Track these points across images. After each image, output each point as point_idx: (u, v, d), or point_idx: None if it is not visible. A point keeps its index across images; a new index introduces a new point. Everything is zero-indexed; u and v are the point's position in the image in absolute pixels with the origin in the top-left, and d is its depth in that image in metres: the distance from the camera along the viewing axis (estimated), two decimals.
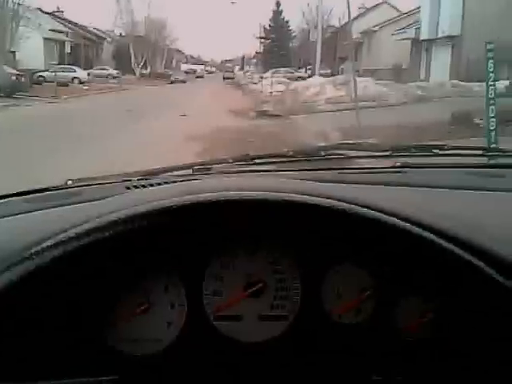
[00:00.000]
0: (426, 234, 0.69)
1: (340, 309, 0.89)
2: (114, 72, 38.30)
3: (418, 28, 27.63)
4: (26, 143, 8.53)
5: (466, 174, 1.35)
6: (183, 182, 1.25)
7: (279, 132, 10.85)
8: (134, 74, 44.03)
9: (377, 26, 35.83)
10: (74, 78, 29.93)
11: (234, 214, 0.76)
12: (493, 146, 4.88)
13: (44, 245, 0.67)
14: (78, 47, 40.10)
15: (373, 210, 0.71)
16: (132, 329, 0.88)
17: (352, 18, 12.47)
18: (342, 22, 37.49)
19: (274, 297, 0.90)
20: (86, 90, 25.76)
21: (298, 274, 0.89)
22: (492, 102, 5.62)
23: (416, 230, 0.69)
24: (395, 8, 40.84)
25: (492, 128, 5.50)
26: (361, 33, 36.42)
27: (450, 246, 0.68)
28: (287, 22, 55.12)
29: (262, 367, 0.80)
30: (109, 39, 50.49)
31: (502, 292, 0.67)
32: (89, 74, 32.60)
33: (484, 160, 1.61)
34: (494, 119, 5.54)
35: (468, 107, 10.39)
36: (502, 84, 10.01)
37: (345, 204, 0.71)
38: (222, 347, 0.88)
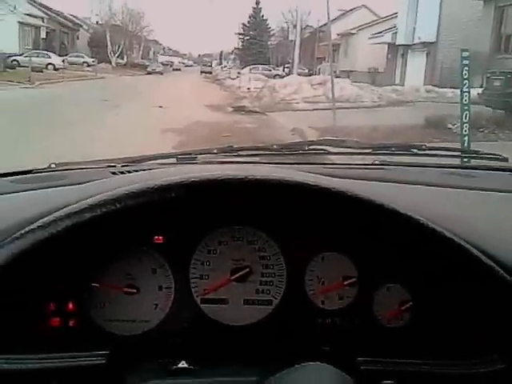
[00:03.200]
0: (413, 217, 0.72)
1: (322, 295, 0.93)
2: (90, 60, 37.76)
3: (395, 33, 27.99)
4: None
5: (442, 174, 1.41)
6: (170, 168, 1.27)
7: (256, 128, 10.88)
8: (110, 62, 43.42)
9: (354, 28, 36.16)
10: (49, 64, 29.37)
11: (223, 195, 0.76)
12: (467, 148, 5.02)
13: (36, 224, 0.66)
14: (54, 33, 39.35)
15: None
16: (120, 310, 0.89)
17: (331, 19, 12.59)
18: (321, 23, 37.76)
19: (259, 282, 0.93)
20: (61, 76, 25.28)
21: (282, 260, 0.93)
22: (466, 107, 5.76)
23: (403, 212, 0.71)
24: (373, 12, 41.29)
25: (465, 133, 5.65)
26: (338, 34, 36.70)
27: (438, 232, 0.71)
28: (266, 19, 55.23)
29: (246, 349, 0.83)
30: (85, 26, 49.68)
31: (483, 281, 0.71)
32: (64, 61, 32.00)
33: (459, 161, 1.67)
34: (467, 124, 5.70)
35: (441, 112, 10.61)
36: (475, 91, 10.26)
37: (333, 185, 0.73)
38: (208, 329, 0.90)
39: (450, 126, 9.57)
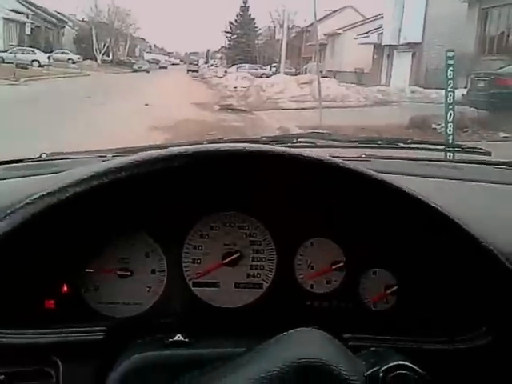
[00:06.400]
0: (412, 193, 0.72)
1: (311, 279, 0.95)
2: (75, 57, 37.48)
3: (381, 33, 28.18)
4: None
5: (428, 166, 1.44)
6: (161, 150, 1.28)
7: (242, 126, 10.90)
8: (96, 60, 43.11)
9: (341, 28, 36.32)
10: (34, 60, 29.08)
11: (227, 168, 0.76)
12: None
13: (45, 191, 0.64)
14: (39, 29, 39.01)
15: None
16: (114, 292, 0.91)
17: (317, 19, 12.64)
18: (307, 23, 37.89)
19: (249, 266, 0.95)
20: (46, 73, 25.04)
21: (273, 245, 0.95)
22: (450, 107, 5.84)
23: (396, 186, 0.72)
24: (359, 12, 41.53)
25: (450, 132, 5.73)
26: (325, 34, 36.85)
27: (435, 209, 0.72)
28: (253, 19, 55.34)
29: (238, 329, 0.85)
30: (71, 23, 49.27)
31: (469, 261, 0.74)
32: (49, 58, 31.67)
33: (444, 155, 1.71)
34: (451, 124, 5.78)
35: (426, 112, 10.72)
36: (459, 92, 10.40)
37: (330, 158, 0.74)
38: (200, 311, 0.92)
39: (434, 126, 9.69)
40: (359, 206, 0.80)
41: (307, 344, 0.54)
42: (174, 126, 9.82)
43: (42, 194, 0.58)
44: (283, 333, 0.57)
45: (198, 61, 63.27)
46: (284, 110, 14.37)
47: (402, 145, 1.58)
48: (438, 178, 1.26)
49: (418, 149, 1.60)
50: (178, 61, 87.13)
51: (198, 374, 0.57)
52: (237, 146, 0.70)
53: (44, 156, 1.42)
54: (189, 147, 0.68)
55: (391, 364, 0.55)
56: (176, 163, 0.66)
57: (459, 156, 1.74)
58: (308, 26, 37.31)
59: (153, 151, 0.68)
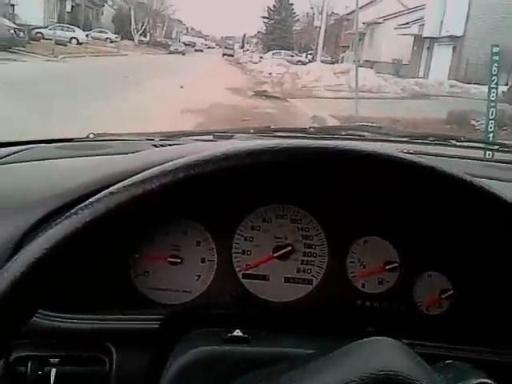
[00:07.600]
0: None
1: (363, 278, 0.93)
2: (113, 36, 37.78)
3: (422, 25, 27.56)
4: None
5: (483, 166, 1.39)
6: (223, 142, 1.27)
7: (276, 114, 10.83)
8: (133, 40, 43.40)
9: (381, 18, 35.62)
10: (73, 38, 29.39)
11: (313, 165, 0.72)
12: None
13: (131, 181, 0.60)
14: (79, 7, 39.31)
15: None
16: (163, 279, 0.91)
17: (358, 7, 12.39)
18: (347, 11, 37.30)
19: (300, 261, 0.93)
20: (84, 51, 25.33)
21: (325, 241, 0.93)
22: (493, 104, 5.68)
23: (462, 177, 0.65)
24: (400, 2, 40.60)
25: (491, 130, 5.58)
26: (364, 23, 36.21)
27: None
28: (292, 4, 54.78)
29: (289, 325, 0.84)
30: (110, 2, 49.61)
31: None
32: (87, 36, 32.04)
33: (496, 154, 1.66)
34: (493, 121, 5.62)
35: (464, 108, 10.48)
36: (500, 89, 10.13)
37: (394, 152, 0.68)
38: (249, 304, 0.91)
39: (473, 122, 9.46)
40: (425, 206, 0.77)
41: (385, 354, 0.52)
42: (207, 110, 9.83)
43: (127, 183, 0.56)
44: (357, 340, 0.55)
45: (233, 45, 63.23)
46: (319, 99, 14.23)
47: (454, 142, 1.53)
48: (498, 179, 1.21)
49: (470, 147, 1.55)
50: (213, 44, 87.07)
51: (265, 375, 0.56)
52: (332, 144, 0.64)
53: (92, 136, 1.43)
54: (277, 142, 0.64)
55: (475, 382, 0.52)
56: (266, 158, 0.62)
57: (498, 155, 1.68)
58: (348, 14, 36.73)
59: (240, 145, 0.65)
